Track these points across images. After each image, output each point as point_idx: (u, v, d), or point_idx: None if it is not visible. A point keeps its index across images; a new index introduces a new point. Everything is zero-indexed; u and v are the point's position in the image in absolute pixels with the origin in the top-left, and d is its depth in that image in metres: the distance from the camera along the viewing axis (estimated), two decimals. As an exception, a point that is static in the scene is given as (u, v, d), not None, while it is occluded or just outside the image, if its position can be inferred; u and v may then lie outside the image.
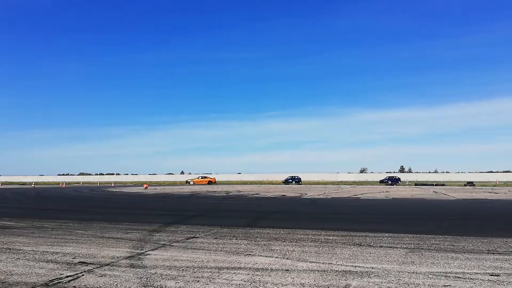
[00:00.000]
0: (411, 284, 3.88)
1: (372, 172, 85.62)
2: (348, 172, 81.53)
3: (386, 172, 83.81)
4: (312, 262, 4.86)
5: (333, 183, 59.54)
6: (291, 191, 29.20)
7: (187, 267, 4.63)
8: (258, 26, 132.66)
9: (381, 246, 5.95)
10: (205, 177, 58.24)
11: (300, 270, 4.45)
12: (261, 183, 61.55)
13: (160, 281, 3.98)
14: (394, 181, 58.69)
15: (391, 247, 5.91)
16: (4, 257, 5.23)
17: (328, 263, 4.78)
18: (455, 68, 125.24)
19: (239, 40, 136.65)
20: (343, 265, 4.70)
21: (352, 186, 44.08)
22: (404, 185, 49.47)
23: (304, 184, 51.54)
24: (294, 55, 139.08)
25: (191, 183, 54.52)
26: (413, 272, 4.35)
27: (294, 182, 57.94)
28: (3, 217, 10.44)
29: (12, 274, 4.29)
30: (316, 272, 4.35)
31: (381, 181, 59.07)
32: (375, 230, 7.72)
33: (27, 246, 6.00)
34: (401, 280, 4.03)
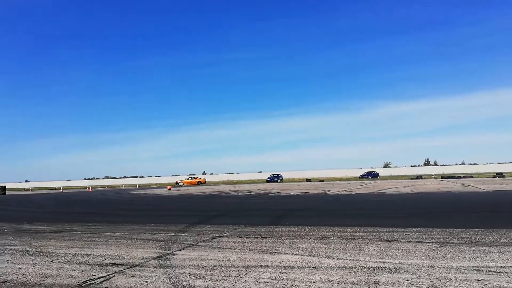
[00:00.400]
0: (442, 279, 3.80)
1: (396, 167, 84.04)
2: (371, 167, 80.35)
3: (411, 166, 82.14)
4: (339, 259, 4.82)
5: (356, 179, 58.78)
6: (314, 188, 29.02)
7: (214, 266, 4.67)
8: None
9: (410, 241, 5.84)
10: (194, 178, 59.31)
11: (327, 267, 4.42)
12: (282, 181, 61.44)
13: (188, 281, 4.04)
14: (373, 176, 60.88)
15: (419, 242, 5.79)
16: (39, 260, 5.41)
17: (356, 260, 4.73)
18: (476, 57, 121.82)
19: (252, 39, 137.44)
20: (371, 261, 4.64)
21: (376, 181, 43.45)
22: (431, 178, 48.36)
23: (326, 181, 51.12)
24: (309, 50, 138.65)
25: (181, 184, 54.63)
26: (444, 267, 4.25)
27: (279, 180, 59.45)
28: (35, 222, 10.81)
29: (47, 277, 4.43)
30: (344, 269, 4.31)
31: (361, 177, 61.64)
32: (402, 225, 7.59)
33: (59, 249, 6.19)
34: (432, 275, 3.94)
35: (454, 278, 3.80)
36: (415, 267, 4.30)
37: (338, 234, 6.78)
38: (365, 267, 4.36)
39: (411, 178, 49.57)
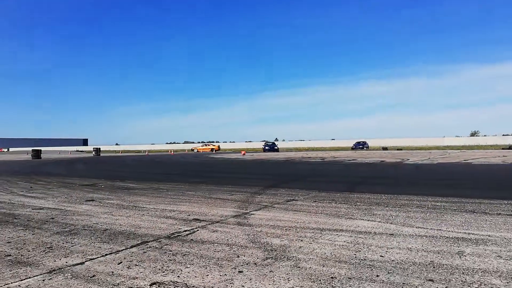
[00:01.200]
0: (538, 254, 3.50)
1: (485, 136, 76.60)
2: (456, 136, 74.34)
3: (503, 135, 74.48)
4: (419, 227, 4.66)
5: (438, 148, 55.03)
6: (391, 156, 27.86)
7: (289, 227, 4.82)
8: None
9: (499, 214, 5.42)
10: (208, 145, 63.43)
11: (405, 235, 4.31)
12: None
13: (266, 238, 4.23)
14: (364, 145, 59.16)
15: (511, 215, 5.34)
16: (132, 213, 6.04)
17: (437, 229, 4.53)
18: None
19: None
20: (455, 231, 4.41)
21: (461, 151, 40.30)
22: (526, 149, 43.45)
23: (404, 150, 48.67)
24: (390, 8, 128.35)
25: (195, 150, 60.89)
26: (540, 243, 3.89)
27: (273, 148, 55.41)
28: (126, 180, 11.99)
29: (140, 227, 4.95)
30: (424, 237, 4.17)
31: (353, 148, 59.26)
32: (491, 197, 7.03)
33: (149, 204, 6.84)
34: (525, 250, 3.65)
35: (552, 255, 3.48)
36: (504, 240, 4.01)
37: (418, 203, 6.51)
38: (447, 237, 4.17)
39: (503, 148, 45.00)
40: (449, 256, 3.47)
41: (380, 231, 4.49)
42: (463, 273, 3.03)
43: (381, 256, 3.51)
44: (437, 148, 54.82)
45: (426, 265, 3.23)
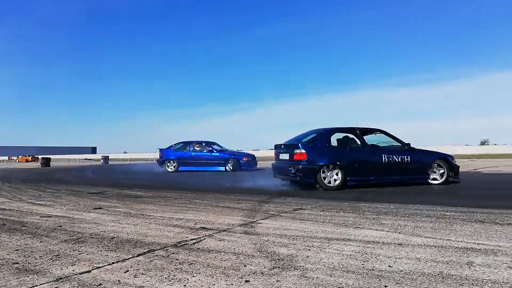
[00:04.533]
0: (550, 266, 3.43)
1: (495, 144, 75.56)
2: (466, 145, 73.42)
3: (513, 144, 73.52)
4: (428, 237, 4.61)
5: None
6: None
7: (297, 236, 4.79)
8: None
9: (509, 224, 5.33)
10: (25, 156, 79.11)
11: (414, 244, 4.26)
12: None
13: (273, 248, 4.21)
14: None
15: (522, 225, 5.26)
16: (139, 221, 6.06)
17: (446, 239, 4.48)
18: None
19: None
20: (464, 242, 4.36)
21: (471, 159, 39.81)
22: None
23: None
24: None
25: (17, 160, 76.34)
26: (552, 253, 3.82)
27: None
28: (134, 188, 12.04)
29: (147, 236, 4.96)
30: (433, 247, 4.12)
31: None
32: (501, 206, 6.93)
33: (156, 213, 6.85)
34: (536, 261, 3.58)
35: None
36: (516, 251, 3.94)
37: (426, 212, 6.44)
38: (457, 247, 4.12)
39: (513, 157, 44.37)
40: (459, 267, 3.42)
41: (388, 241, 4.45)
42: (472, 284, 2.98)
43: (389, 266, 3.47)
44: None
45: (435, 275, 3.19)
